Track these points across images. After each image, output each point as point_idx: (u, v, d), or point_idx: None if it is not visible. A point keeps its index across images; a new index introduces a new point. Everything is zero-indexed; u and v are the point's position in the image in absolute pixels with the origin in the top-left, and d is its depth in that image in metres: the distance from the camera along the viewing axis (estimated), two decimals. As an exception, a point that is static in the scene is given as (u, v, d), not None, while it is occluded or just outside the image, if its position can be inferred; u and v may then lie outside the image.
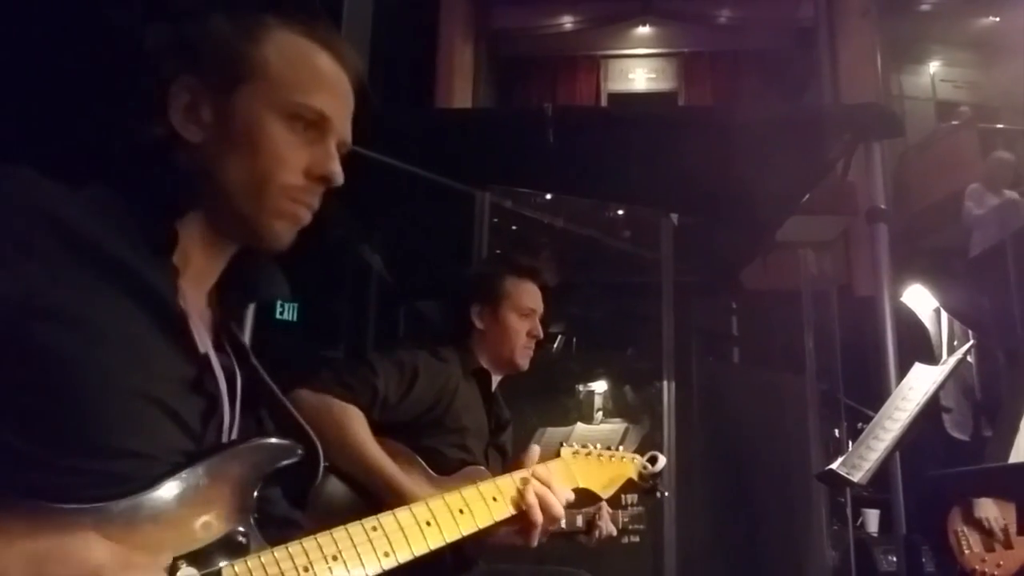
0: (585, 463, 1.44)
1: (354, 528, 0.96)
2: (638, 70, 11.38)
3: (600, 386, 4.59)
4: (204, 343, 0.95)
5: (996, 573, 3.04)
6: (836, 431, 5.34)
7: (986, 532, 3.09)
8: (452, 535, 1.08)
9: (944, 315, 4.20)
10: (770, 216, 4.06)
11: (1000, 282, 4.45)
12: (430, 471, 1.98)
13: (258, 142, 0.96)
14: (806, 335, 5.05)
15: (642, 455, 1.59)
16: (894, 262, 3.24)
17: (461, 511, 1.12)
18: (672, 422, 3.89)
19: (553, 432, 3.57)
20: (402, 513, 1.03)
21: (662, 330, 4.01)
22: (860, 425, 4.80)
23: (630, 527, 2.50)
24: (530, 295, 2.28)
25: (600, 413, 4.49)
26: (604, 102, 10.98)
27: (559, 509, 1.27)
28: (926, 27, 9.75)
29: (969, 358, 3.79)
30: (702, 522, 3.93)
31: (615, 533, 2.28)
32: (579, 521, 2.25)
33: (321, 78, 1.00)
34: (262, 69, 0.97)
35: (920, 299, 4.37)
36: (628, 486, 1.54)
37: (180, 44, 0.97)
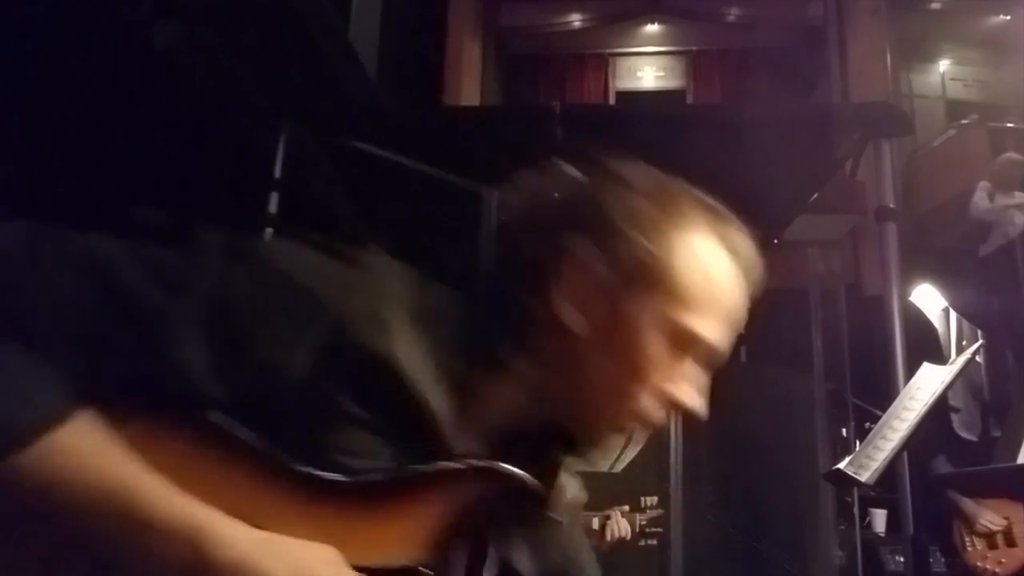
0: None
1: None
2: (646, 68, 11.36)
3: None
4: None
5: (998, 570, 3.04)
6: (843, 431, 5.33)
7: (987, 535, 3.09)
8: None
9: (953, 315, 4.19)
10: (778, 214, 4.05)
11: (1009, 282, 4.43)
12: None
13: (635, 357, 0.84)
14: (814, 334, 5.04)
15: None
16: (903, 261, 3.23)
17: None
18: (679, 421, 3.87)
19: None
20: None
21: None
22: (868, 425, 4.79)
23: (648, 530, 2.46)
24: None
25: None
26: (612, 100, 10.96)
27: None
28: (936, 25, 9.70)
29: (978, 358, 3.78)
30: (708, 521, 3.93)
31: (628, 536, 2.26)
32: (595, 523, 2.22)
33: (721, 303, 0.88)
34: (666, 277, 0.84)
35: (929, 298, 4.36)
36: None
37: (589, 204, 0.86)
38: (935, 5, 9.49)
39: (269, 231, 3.10)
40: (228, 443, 0.74)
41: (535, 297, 0.84)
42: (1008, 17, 9.52)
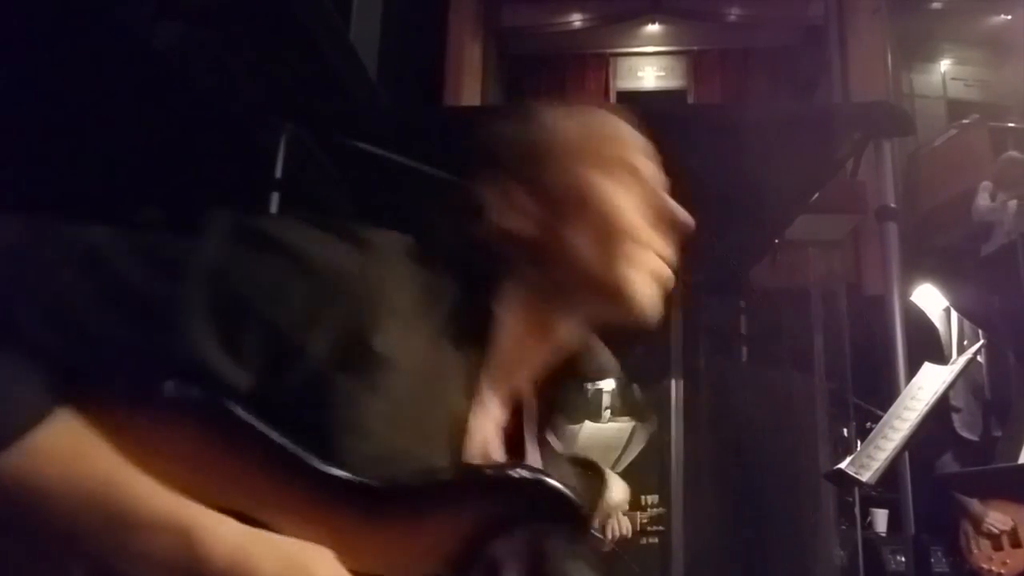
0: None
1: None
2: (647, 68, 11.35)
3: (608, 384, 4.58)
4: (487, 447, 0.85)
5: (1003, 572, 3.04)
6: (845, 431, 5.32)
7: (993, 536, 3.09)
8: None
9: (954, 314, 4.19)
10: (779, 215, 4.05)
11: (1011, 281, 4.43)
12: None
13: (586, 196, 0.88)
14: (815, 334, 5.04)
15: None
16: (904, 261, 3.23)
17: None
18: (680, 420, 3.88)
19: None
20: None
21: (670, 328, 4.00)
22: (869, 425, 4.79)
23: (649, 528, 2.46)
24: None
25: (608, 411, 4.47)
26: (613, 100, 10.95)
27: None
28: (937, 25, 9.69)
29: (979, 358, 3.78)
30: (710, 521, 3.93)
31: (629, 534, 2.25)
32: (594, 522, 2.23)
33: (613, 126, 0.97)
34: (555, 137, 0.91)
35: (930, 298, 4.36)
36: None
37: (482, 152, 0.93)
38: (936, 5, 9.49)
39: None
40: (242, 434, 0.71)
41: (482, 227, 0.87)
42: (1009, 17, 9.51)
